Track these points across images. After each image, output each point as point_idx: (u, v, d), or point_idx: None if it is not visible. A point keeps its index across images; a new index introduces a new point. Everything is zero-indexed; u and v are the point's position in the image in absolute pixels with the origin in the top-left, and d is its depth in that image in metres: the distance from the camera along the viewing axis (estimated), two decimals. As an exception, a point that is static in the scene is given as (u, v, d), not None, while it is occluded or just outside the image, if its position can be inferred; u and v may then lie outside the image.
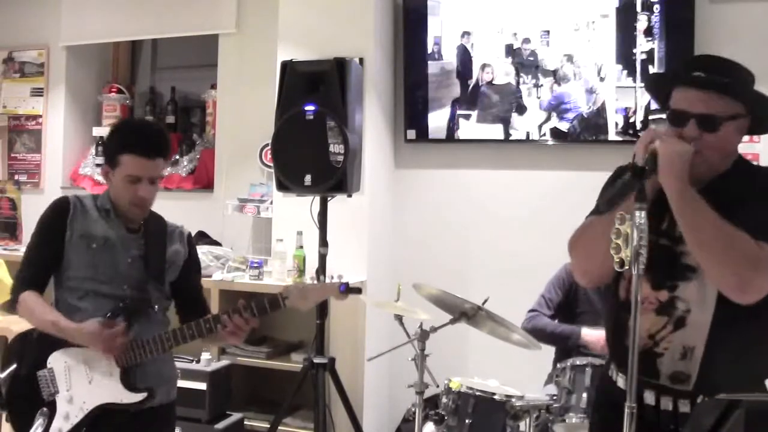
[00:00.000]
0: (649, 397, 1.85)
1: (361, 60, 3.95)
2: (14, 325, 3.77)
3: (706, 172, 1.81)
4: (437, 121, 4.20)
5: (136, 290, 2.40)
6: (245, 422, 3.90)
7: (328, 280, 2.56)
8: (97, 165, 5.18)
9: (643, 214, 1.56)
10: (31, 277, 2.38)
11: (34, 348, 2.40)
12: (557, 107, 3.95)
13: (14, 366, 2.40)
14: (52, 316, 2.31)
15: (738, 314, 1.74)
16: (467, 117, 4.14)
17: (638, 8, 3.76)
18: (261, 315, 2.33)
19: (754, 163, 1.95)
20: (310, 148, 3.22)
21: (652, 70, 3.73)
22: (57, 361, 2.36)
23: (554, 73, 3.95)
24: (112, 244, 2.39)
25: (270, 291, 3.87)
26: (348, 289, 2.39)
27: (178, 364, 3.64)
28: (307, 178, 3.23)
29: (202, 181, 4.92)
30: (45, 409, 2.33)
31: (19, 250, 4.97)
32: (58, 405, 2.34)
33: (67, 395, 2.34)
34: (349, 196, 3.37)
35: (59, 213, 2.39)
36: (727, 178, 1.85)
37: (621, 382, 1.93)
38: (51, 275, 2.40)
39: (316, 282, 2.57)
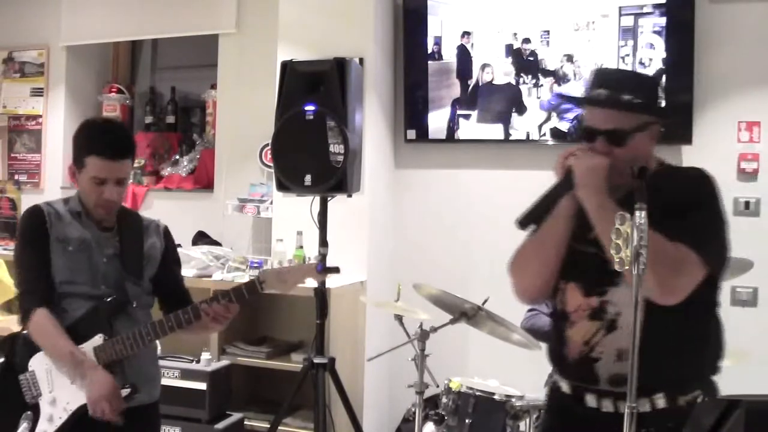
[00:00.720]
0: (591, 400, 1.89)
1: (361, 60, 3.95)
2: (15, 325, 3.77)
3: (624, 181, 1.83)
4: (437, 121, 4.20)
5: (114, 289, 2.40)
6: (245, 422, 3.90)
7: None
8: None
9: (644, 213, 1.56)
10: (40, 291, 2.34)
11: (19, 351, 2.39)
12: (557, 107, 3.96)
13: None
14: (68, 347, 2.28)
15: (666, 313, 1.77)
16: (467, 117, 4.14)
17: (638, 8, 3.76)
18: (239, 300, 2.35)
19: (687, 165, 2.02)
20: (310, 148, 3.22)
21: (652, 70, 3.74)
22: (38, 363, 2.35)
23: (554, 73, 3.95)
24: (88, 244, 2.39)
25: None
26: (325, 269, 2.42)
27: (178, 364, 3.70)
28: (307, 178, 3.23)
29: (202, 181, 4.92)
30: (29, 412, 2.31)
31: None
32: (42, 408, 2.32)
33: (50, 397, 2.33)
34: (349, 196, 3.37)
35: (38, 221, 2.38)
36: (651, 183, 1.85)
37: (565, 386, 1.98)
38: (52, 282, 2.36)
39: (294, 264, 2.51)
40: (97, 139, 2.35)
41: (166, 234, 2.59)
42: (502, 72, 4.06)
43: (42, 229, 2.36)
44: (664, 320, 1.79)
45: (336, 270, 2.46)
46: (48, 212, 2.40)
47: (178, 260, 2.67)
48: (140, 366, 2.42)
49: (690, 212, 1.80)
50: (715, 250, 1.78)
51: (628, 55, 3.80)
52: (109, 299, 2.37)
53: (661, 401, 1.84)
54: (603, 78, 1.95)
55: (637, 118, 1.85)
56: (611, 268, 1.78)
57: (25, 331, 2.38)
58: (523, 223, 1.87)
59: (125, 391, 2.30)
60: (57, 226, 2.38)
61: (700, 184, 1.88)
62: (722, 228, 1.81)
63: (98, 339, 2.33)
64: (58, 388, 2.33)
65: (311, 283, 3.50)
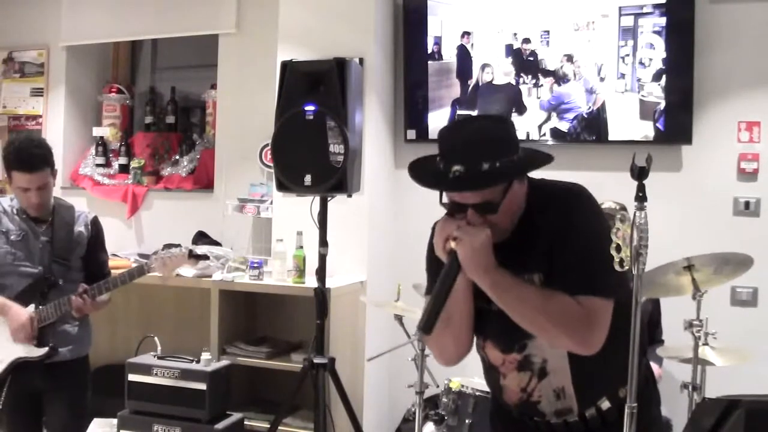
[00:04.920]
0: (540, 421, 1.91)
1: (361, 60, 3.95)
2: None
3: (504, 233, 1.80)
4: (437, 121, 4.20)
5: (46, 268, 3.03)
6: (245, 422, 3.89)
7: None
8: (98, 165, 5.19)
9: (644, 213, 1.56)
10: None
11: None
12: (557, 107, 3.96)
13: None
14: None
15: None
16: (467, 117, 4.14)
17: (638, 8, 3.76)
18: (130, 281, 3.04)
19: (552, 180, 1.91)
20: (310, 148, 3.22)
21: (652, 70, 3.74)
22: None
23: (554, 73, 3.95)
24: (26, 234, 3.04)
25: (269, 291, 3.95)
26: (193, 255, 3.17)
27: (178, 364, 3.70)
28: (307, 178, 3.23)
29: (202, 181, 4.91)
30: None
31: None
32: None
33: None
34: (349, 196, 3.37)
35: None
36: (526, 215, 1.82)
37: (513, 411, 1.97)
38: None
39: (171, 252, 3.16)
40: (16, 158, 2.96)
41: (94, 223, 3.20)
42: (502, 72, 4.06)
43: None
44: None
45: (205, 257, 3.29)
46: None
47: (103, 246, 3.26)
48: (63, 329, 3.05)
49: (572, 250, 1.72)
50: (610, 279, 1.68)
51: (628, 55, 3.80)
52: (43, 277, 3.01)
53: (605, 404, 1.86)
54: (454, 148, 1.74)
55: (503, 184, 1.73)
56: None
57: None
58: (427, 329, 1.73)
59: (44, 350, 2.96)
60: (3, 220, 3.03)
61: (568, 211, 1.78)
62: (605, 249, 1.62)
63: (31, 308, 2.99)
64: None
65: (311, 282, 3.52)
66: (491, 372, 1.96)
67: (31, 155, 2.97)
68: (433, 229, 1.87)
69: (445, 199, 1.80)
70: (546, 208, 1.81)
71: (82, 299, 2.97)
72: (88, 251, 3.15)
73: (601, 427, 1.87)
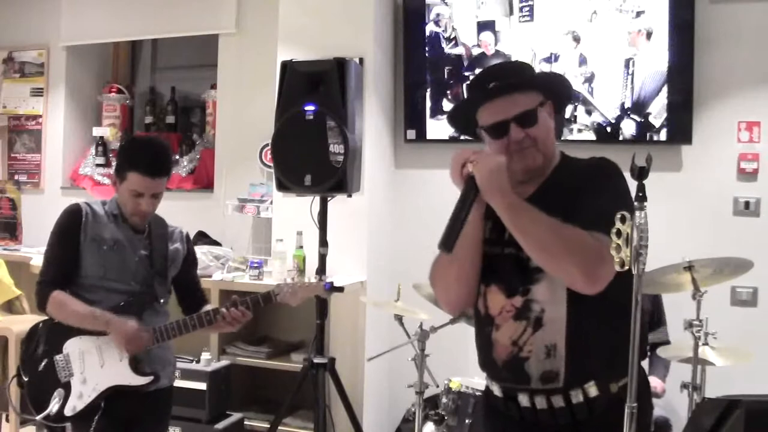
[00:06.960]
0: (524, 400, 1.90)
1: (361, 60, 3.95)
2: (15, 324, 3.78)
3: (544, 162, 1.92)
4: (437, 121, 4.20)
5: (142, 285, 2.66)
6: (245, 422, 3.90)
7: (314, 280, 2.97)
8: (98, 165, 5.20)
9: (644, 213, 1.56)
10: (54, 278, 2.61)
11: (50, 334, 2.64)
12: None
13: (33, 348, 2.65)
14: (87, 309, 2.56)
15: (587, 303, 1.79)
16: (467, 117, 4.13)
17: (638, 8, 3.76)
18: (255, 308, 2.71)
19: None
20: (310, 148, 3.22)
21: (652, 70, 3.74)
22: (72, 347, 2.61)
23: (554, 73, 3.94)
24: (122, 245, 2.65)
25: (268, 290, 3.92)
26: (332, 288, 2.92)
27: (179, 364, 3.67)
28: (307, 178, 3.24)
29: (202, 181, 4.91)
30: (61, 389, 2.57)
31: (20, 250, 4.98)
32: (73, 386, 2.59)
33: (81, 377, 2.59)
34: (349, 196, 3.37)
35: (73, 219, 2.63)
36: (556, 173, 1.95)
37: (497, 389, 1.98)
38: (71, 274, 2.61)
39: (305, 281, 2.93)
40: (140, 158, 2.60)
41: (188, 240, 2.87)
42: (502, 72, 4.05)
43: (75, 228, 2.61)
44: (584, 310, 1.81)
45: (341, 289, 2.93)
46: (86, 212, 2.65)
47: (196, 263, 2.95)
48: (161, 354, 2.71)
49: (597, 195, 1.80)
50: None
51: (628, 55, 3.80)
52: (140, 294, 2.64)
53: (593, 389, 1.84)
54: (488, 75, 1.99)
55: (535, 97, 1.91)
56: (531, 266, 1.85)
57: (45, 317, 2.64)
58: (448, 246, 1.82)
59: (147, 379, 2.61)
60: (93, 226, 2.63)
61: (601, 166, 1.92)
62: (629, 206, 1.66)
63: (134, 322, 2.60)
64: (89, 370, 2.60)
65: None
66: (485, 326, 1.95)
67: (159, 159, 2.63)
68: None
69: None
70: (577, 166, 1.97)
71: (241, 312, 2.66)
72: (182, 269, 2.81)
73: (588, 419, 1.84)
